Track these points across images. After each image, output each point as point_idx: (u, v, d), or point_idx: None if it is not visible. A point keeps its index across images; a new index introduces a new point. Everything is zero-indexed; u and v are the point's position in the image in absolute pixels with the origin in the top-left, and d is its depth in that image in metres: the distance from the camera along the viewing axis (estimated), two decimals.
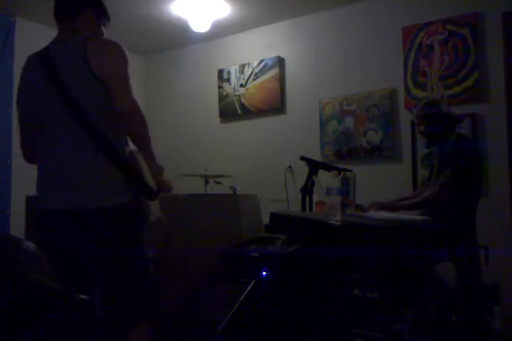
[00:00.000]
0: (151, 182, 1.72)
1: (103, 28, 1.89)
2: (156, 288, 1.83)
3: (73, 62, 1.65)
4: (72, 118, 1.63)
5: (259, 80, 4.26)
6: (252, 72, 4.31)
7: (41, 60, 1.72)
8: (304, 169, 2.82)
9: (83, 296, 1.75)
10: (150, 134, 1.74)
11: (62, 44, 1.73)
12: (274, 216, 2.25)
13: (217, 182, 3.59)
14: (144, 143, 1.75)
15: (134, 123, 1.69)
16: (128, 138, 1.77)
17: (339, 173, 2.11)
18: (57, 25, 1.83)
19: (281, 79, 4.16)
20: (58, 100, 1.64)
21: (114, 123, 1.68)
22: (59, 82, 1.64)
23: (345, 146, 3.76)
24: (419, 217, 2.24)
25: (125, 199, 1.65)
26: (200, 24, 3.94)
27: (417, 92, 3.46)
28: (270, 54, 4.23)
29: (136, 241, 1.72)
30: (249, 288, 2.34)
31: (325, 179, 2.30)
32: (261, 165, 4.15)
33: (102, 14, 1.87)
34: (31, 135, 1.79)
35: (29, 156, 1.85)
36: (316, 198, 2.75)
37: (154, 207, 1.79)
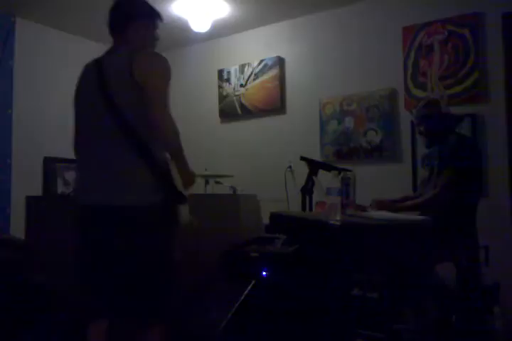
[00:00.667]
0: (180, 187, 1.82)
1: (153, 32, 2.00)
2: (174, 291, 1.86)
3: (120, 72, 1.77)
4: (115, 125, 1.75)
5: (259, 80, 4.26)
6: (252, 72, 4.31)
7: (95, 68, 1.86)
8: (304, 169, 2.82)
9: (82, 296, 1.75)
10: (179, 145, 1.83)
11: (113, 54, 1.88)
12: (274, 216, 2.25)
13: (217, 182, 3.59)
14: (174, 153, 1.84)
15: (162, 135, 1.77)
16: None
17: (339, 173, 2.11)
18: (111, 36, 1.98)
19: (281, 79, 4.16)
20: (104, 107, 1.77)
21: (151, 131, 1.77)
22: (106, 91, 1.77)
23: (345, 146, 3.76)
24: (420, 217, 2.24)
25: (156, 201, 1.75)
26: (200, 24, 3.94)
27: (417, 92, 3.46)
28: (270, 54, 4.23)
29: (162, 241, 1.81)
30: (249, 288, 2.34)
31: (325, 179, 2.29)
32: (261, 165, 4.15)
33: (149, 20, 1.97)
34: (80, 136, 1.96)
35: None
36: (316, 198, 2.75)
37: (185, 211, 1.88)
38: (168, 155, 1.86)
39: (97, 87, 1.80)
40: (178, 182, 1.82)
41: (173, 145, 1.82)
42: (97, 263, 1.80)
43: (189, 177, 1.93)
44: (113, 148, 1.78)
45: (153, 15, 1.99)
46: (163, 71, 1.81)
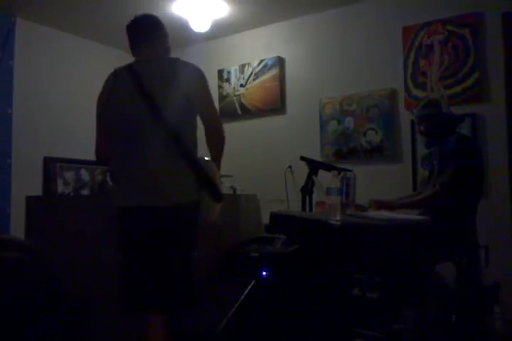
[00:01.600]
0: (220, 187, 1.99)
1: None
2: (190, 287, 1.94)
3: (163, 80, 1.90)
4: (159, 129, 1.86)
5: (259, 80, 4.26)
6: (252, 72, 4.31)
7: (130, 76, 1.95)
8: (304, 169, 2.82)
9: (82, 296, 1.75)
10: (223, 153, 2.06)
11: (149, 63, 2.00)
12: (274, 216, 2.25)
13: None
14: (219, 155, 2.05)
15: (217, 139, 2.02)
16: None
17: (339, 173, 2.11)
18: (135, 46, 2.10)
19: (281, 79, 4.16)
20: (147, 113, 1.87)
21: (192, 135, 1.99)
22: (149, 98, 1.87)
23: (345, 146, 3.76)
24: (419, 217, 2.24)
25: (191, 199, 1.90)
26: (200, 24, 3.94)
27: (417, 92, 3.46)
28: (270, 54, 4.23)
29: (193, 237, 1.94)
30: (249, 288, 2.34)
31: (325, 179, 2.29)
32: (261, 165, 4.15)
33: (167, 34, 2.17)
34: (109, 140, 2.03)
35: (102, 157, 2.10)
36: (316, 198, 2.75)
37: (217, 208, 2.00)
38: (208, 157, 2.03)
39: (138, 96, 1.89)
40: (218, 181, 1.99)
41: (221, 148, 2.06)
42: (140, 260, 1.88)
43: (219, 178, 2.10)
44: (159, 153, 1.88)
45: (167, 33, 2.19)
46: (206, 80, 2.02)
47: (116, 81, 2.02)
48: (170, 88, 1.89)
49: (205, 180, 1.91)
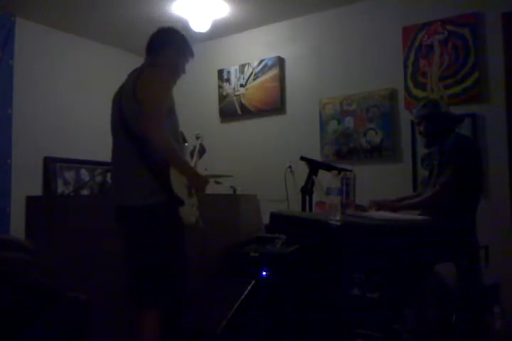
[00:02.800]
0: (180, 190, 1.96)
1: (181, 63, 2.27)
2: (176, 281, 2.01)
3: (129, 87, 2.00)
4: (124, 135, 1.98)
5: (259, 80, 4.26)
6: (252, 72, 4.31)
7: (122, 84, 2.11)
8: (304, 169, 2.82)
9: (82, 296, 1.75)
10: (171, 151, 1.97)
11: (132, 72, 2.11)
12: (274, 216, 2.25)
13: (217, 182, 3.59)
14: (167, 157, 1.97)
15: (150, 140, 1.91)
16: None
17: (339, 173, 2.11)
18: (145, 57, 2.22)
19: (281, 79, 4.16)
20: (118, 120, 2.02)
21: None
22: (120, 105, 2.02)
23: (345, 146, 3.76)
24: (420, 217, 2.24)
25: (155, 201, 1.94)
26: (200, 24, 3.93)
27: (417, 92, 3.46)
28: (270, 54, 4.23)
29: (158, 235, 1.97)
30: (249, 288, 2.34)
31: (325, 179, 2.29)
32: (261, 165, 4.15)
33: (181, 52, 2.25)
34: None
35: None
36: (316, 198, 2.75)
37: (189, 211, 2.02)
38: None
39: (117, 101, 2.06)
40: (177, 185, 1.95)
41: (165, 154, 1.96)
42: (126, 255, 2.03)
43: (196, 181, 2.07)
44: (124, 157, 2.02)
45: (186, 49, 2.26)
46: (156, 83, 1.98)
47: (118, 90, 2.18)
48: (129, 92, 1.98)
49: (161, 182, 1.94)
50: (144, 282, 1.99)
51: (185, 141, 2.41)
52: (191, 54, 2.31)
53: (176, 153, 1.99)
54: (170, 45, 2.21)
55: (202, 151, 2.49)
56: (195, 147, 2.45)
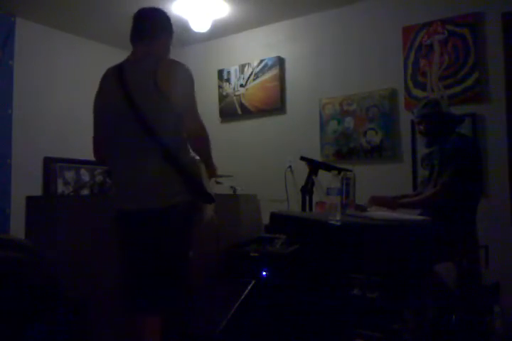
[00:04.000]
0: (209, 188, 1.93)
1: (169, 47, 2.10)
2: (187, 288, 1.96)
3: (144, 81, 1.84)
4: (141, 131, 1.83)
5: (259, 80, 4.26)
6: (252, 72, 4.31)
7: (117, 75, 1.91)
8: (304, 169, 2.82)
9: (82, 296, 1.75)
10: (211, 150, 2.01)
11: (136, 63, 1.93)
12: (274, 216, 2.25)
13: (217, 182, 3.58)
14: (205, 156, 2.00)
15: (198, 140, 1.94)
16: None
17: (339, 173, 2.11)
18: (132, 45, 2.02)
19: (281, 79, 4.16)
20: (130, 114, 1.83)
21: (177, 135, 1.90)
22: (131, 99, 1.83)
23: (345, 146, 3.76)
24: (419, 217, 2.24)
25: (183, 200, 1.86)
26: (200, 24, 3.93)
27: (417, 92, 3.46)
28: (270, 54, 4.23)
29: (184, 238, 1.91)
30: (249, 288, 2.34)
31: (325, 179, 2.30)
32: (261, 165, 4.15)
33: (171, 37, 2.09)
34: (103, 139, 2.01)
35: (98, 157, 2.09)
36: (316, 198, 2.75)
37: (209, 208, 1.99)
38: (196, 157, 2.00)
39: (121, 97, 1.86)
40: (206, 183, 1.92)
41: (206, 150, 1.99)
42: (136, 260, 1.90)
43: (213, 172, 2.10)
44: (143, 156, 1.86)
45: (172, 31, 2.10)
46: (189, 79, 1.92)
47: (104, 82, 2.01)
48: (148, 88, 1.83)
49: (189, 180, 1.87)
50: (161, 286, 1.86)
51: None
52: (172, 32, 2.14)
53: (210, 151, 2.04)
54: (165, 30, 2.05)
55: None
56: None
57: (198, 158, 2.03)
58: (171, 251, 1.88)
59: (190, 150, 1.99)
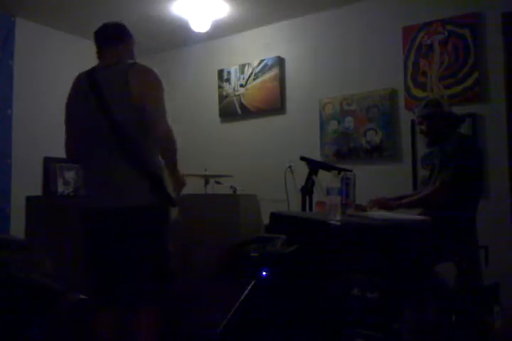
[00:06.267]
0: (172, 192, 2.00)
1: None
2: (169, 278, 2.04)
3: (116, 86, 1.94)
4: (111, 134, 1.92)
5: (259, 80, 4.26)
6: (252, 72, 4.31)
7: (89, 80, 2.01)
8: (304, 169, 2.82)
9: (82, 296, 1.75)
10: (176, 154, 2.01)
11: (108, 69, 2.02)
12: (274, 216, 2.25)
13: (217, 182, 3.59)
14: (169, 161, 2.02)
15: (164, 145, 1.97)
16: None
17: (339, 173, 2.11)
18: (101, 49, 2.11)
19: (281, 79, 4.16)
20: (101, 119, 1.93)
21: (146, 140, 1.96)
22: (103, 104, 1.93)
23: (345, 146, 3.76)
24: (420, 217, 2.24)
25: (148, 203, 1.94)
26: (200, 24, 3.94)
27: (417, 92, 3.46)
28: (270, 54, 4.23)
29: (154, 236, 1.98)
30: (249, 288, 2.34)
31: (325, 179, 2.29)
32: (261, 165, 4.15)
33: (133, 43, 2.20)
34: (75, 141, 2.10)
35: (71, 158, 2.17)
36: (316, 198, 2.75)
37: (174, 211, 2.07)
38: (162, 162, 2.04)
39: (93, 101, 1.96)
40: (169, 186, 1.99)
41: (170, 155, 2.00)
42: (105, 256, 1.99)
43: (179, 181, 2.10)
44: (112, 160, 1.95)
45: (132, 36, 2.20)
46: (158, 84, 1.99)
47: (75, 86, 2.11)
48: (120, 92, 1.93)
49: (154, 183, 1.95)
50: (142, 282, 1.97)
51: None
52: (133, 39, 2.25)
53: (176, 156, 2.04)
54: (128, 37, 2.16)
55: None
56: None
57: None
58: (139, 249, 1.94)
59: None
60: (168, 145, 1.98)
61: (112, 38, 2.11)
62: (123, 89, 1.91)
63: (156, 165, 2.01)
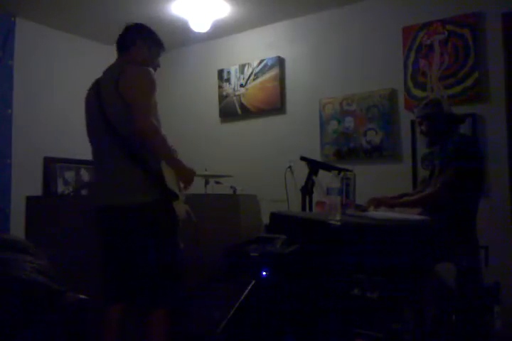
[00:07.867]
0: (173, 186, 2.00)
1: (154, 55, 2.24)
2: (178, 280, 2.07)
3: (109, 85, 1.99)
4: (110, 136, 1.97)
5: (259, 80, 4.26)
6: (252, 72, 4.31)
7: (96, 81, 2.11)
8: (304, 169, 2.82)
9: (82, 296, 1.75)
10: (167, 149, 2.02)
11: (110, 69, 2.10)
12: (274, 216, 2.25)
13: (217, 182, 3.59)
14: (163, 155, 2.01)
15: (147, 141, 1.96)
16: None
17: (339, 173, 2.11)
18: (117, 54, 2.20)
19: (281, 79, 4.16)
20: (100, 119, 2.00)
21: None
22: (100, 103, 2.00)
23: (345, 146, 3.76)
24: (419, 217, 2.24)
25: (150, 199, 1.96)
26: (200, 24, 3.94)
27: (417, 92, 3.46)
28: (270, 54, 4.23)
29: (158, 234, 1.99)
30: (249, 287, 2.34)
31: (325, 179, 2.30)
32: (261, 165, 4.15)
33: (153, 44, 2.21)
34: (90, 142, 2.16)
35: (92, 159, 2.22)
36: (316, 198, 2.75)
37: (181, 207, 2.06)
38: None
39: (95, 102, 2.04)
40: (170, 181, 1.98)
41: (159, 150, 2.00)
42: (111, 254, 2.06)
43: (186, 176, 2.11)
44: (113, 159, 1.99)
45: (156, 41, 2.23)
46: (144, 82, 1.99)
47: (91, 86, 2.17)
48: (111, 92, 1.97)
49: (155, 180, 1.96)
50: (146, 283, 1.98)
51: None
52: (162, 46, 2.27)
53: (170, 149, 2.04)
54: (140, 39, 2.18)
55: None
56: None
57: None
58: (152, 248, 1.97)
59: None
60: (150, 142, 1.96)
61: (122, 43, 2.18)
62: (112, 89, 1.96)
63: (155, 161, 2.00)
